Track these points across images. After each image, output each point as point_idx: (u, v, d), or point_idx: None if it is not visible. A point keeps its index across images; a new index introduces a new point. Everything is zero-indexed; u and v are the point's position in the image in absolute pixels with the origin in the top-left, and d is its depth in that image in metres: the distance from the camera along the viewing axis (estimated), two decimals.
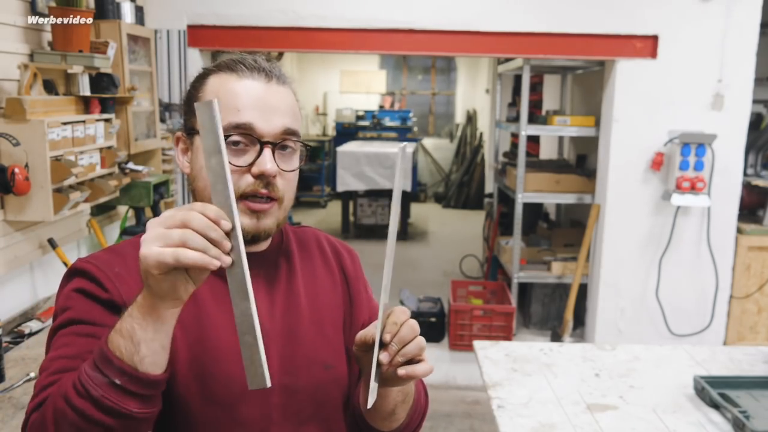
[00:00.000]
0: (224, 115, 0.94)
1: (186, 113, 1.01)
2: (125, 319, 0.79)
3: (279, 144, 0.96)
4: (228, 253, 0.75)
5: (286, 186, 0.98)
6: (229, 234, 0.75)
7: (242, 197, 0.94)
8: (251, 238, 0.96)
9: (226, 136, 0.93)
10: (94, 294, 0.93)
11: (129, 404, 0.78)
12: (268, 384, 0.77)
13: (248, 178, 0.94)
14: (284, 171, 0.97)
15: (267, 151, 0.94)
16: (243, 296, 0.76)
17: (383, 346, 0.85)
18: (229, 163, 0.93)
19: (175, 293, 0.76)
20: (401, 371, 0.85)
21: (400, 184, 0.84)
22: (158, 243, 0.73)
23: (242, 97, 0.95)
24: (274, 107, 0.96)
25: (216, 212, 0.75)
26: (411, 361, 0.87)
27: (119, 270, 0.96)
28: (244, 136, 0.94)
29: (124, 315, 0.80)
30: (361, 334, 0.90)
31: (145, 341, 0.78)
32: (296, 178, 1.01)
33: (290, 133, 0.97)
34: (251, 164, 0.94)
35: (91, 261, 0.97)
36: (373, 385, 0.85)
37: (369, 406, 0.85)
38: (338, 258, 1.15)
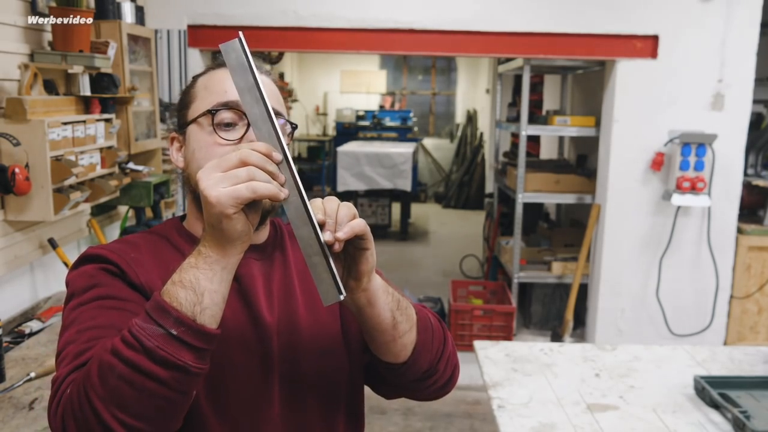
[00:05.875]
0: (213, 97, 1.00)
1: (179, 110, 1.06)
2: (187, 270, 0.79)
3: None
4: (283, 183, 0.79)
5: None
6: (279, 166, 0.79)
7: None
8: None
9: (215, 112, 0.98)
10: (116, 274, 0.93)
11: (185, 356, 0.77)
12: (343, 295, 0.80)
13: None
14: None
15: None
16: (303, 221, 0.79)
17: (321, 229, 0.83)
18: (221, 137, 0.97)
19: (248, 232, 0.79)
20: (341, 234, 0.81)
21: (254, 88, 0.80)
22: (225, 183, 0.75)
23: (228, 81, 0.98)
24: None
25: (266, 146, 0.78)
26: None
27: (134, 255, 0.97)
28: (233, 113, 0.97)
29: (184, 266, 0.80)
30: None
31: (209, 291, 0.78)
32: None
33: (275, 113, 0.99)
34: (240, 139, 0.96)
35: (105, 248, 0.98)
36: (331, 276, 0.80)
37: (343, 295, 0.81)
38: None
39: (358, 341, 1.07)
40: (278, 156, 0.79)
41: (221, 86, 1.00)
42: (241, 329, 0.98)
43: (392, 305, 0.95)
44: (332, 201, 0.85)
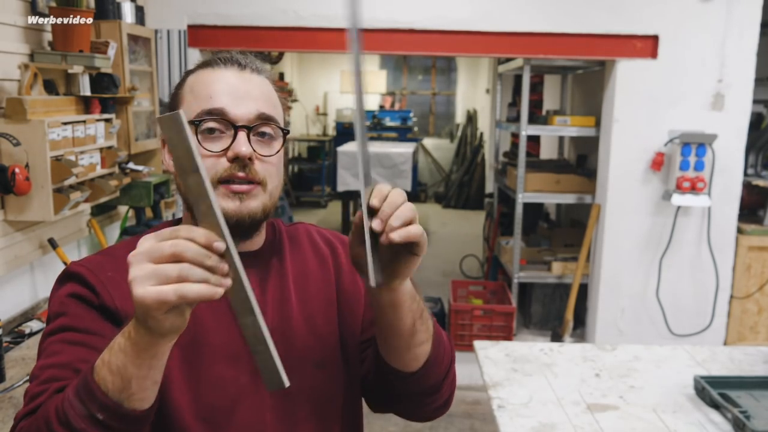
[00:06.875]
0: (198, 104, 0.94)
1: (168, 111, 1.03)
2: (116, 354, 0.75)
3: (254, 128, 0.94)
4: (226, 274, 0.70)
5: (267, 170, 0.95)
6: (223, 254, 0.70)
7: (220, 182, 0.92)
8: (235, 223, 0.91)
9: (199, 122, 0.93)
10: (87, 299, 0.92)
11: None
12: (287, 384, 0.75)
13: (224, 163, 0.92)
14: (262, 156, 0.94)
15: (241, 135, 0.93)
16: (248, 311, 0.72)
17: (373, 213, 0.78)
18: (205, 149, 0.91)
19: (180, 326, 0.72)
20: (395, 236, 0.77)
21: None
22: (152, 282, 0.67)
23: (214, 84, 0.95)
24: (247, 93, 0.95)
25: (206, 235, 0.69)
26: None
27: (112, 274, 0.94)
28: (219, 122, 0.93)
29: (114, 348, 0.75)
30: (356, 218, 0.83)
31: (137, 378, 0.75)
32: (280, 163, 0.98)
33: (266, 118, 0.95)
34: (226, 149, 0.93)
35: (84, 264, 0.96)
36: (371, 262, 0.76)
37: (373, 283, 0.78)
38: (333, 251, 1.11)
39: (357, 353, 1.06)
40: (220, 246, 0.68)
41: (206, 90, 0.95)
42: (231, 341, 0.96)
43: (415, 313, 0.93)
44: (398, 195, 0.80)
